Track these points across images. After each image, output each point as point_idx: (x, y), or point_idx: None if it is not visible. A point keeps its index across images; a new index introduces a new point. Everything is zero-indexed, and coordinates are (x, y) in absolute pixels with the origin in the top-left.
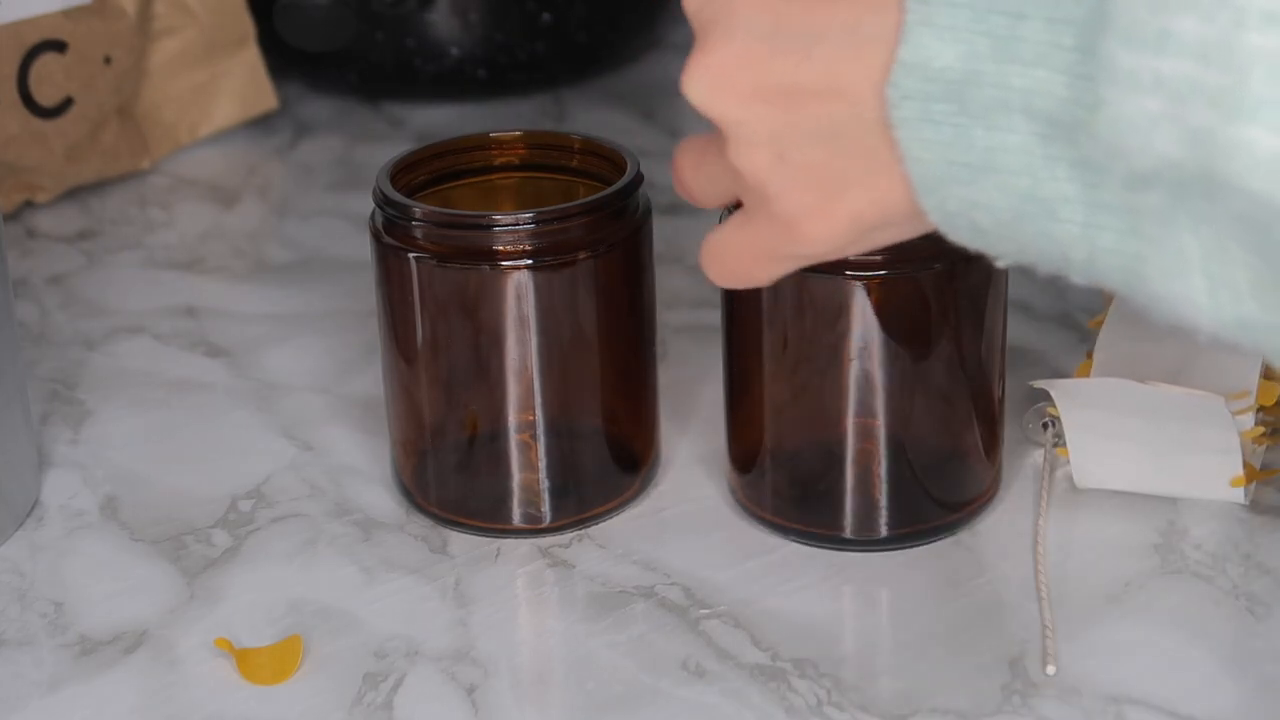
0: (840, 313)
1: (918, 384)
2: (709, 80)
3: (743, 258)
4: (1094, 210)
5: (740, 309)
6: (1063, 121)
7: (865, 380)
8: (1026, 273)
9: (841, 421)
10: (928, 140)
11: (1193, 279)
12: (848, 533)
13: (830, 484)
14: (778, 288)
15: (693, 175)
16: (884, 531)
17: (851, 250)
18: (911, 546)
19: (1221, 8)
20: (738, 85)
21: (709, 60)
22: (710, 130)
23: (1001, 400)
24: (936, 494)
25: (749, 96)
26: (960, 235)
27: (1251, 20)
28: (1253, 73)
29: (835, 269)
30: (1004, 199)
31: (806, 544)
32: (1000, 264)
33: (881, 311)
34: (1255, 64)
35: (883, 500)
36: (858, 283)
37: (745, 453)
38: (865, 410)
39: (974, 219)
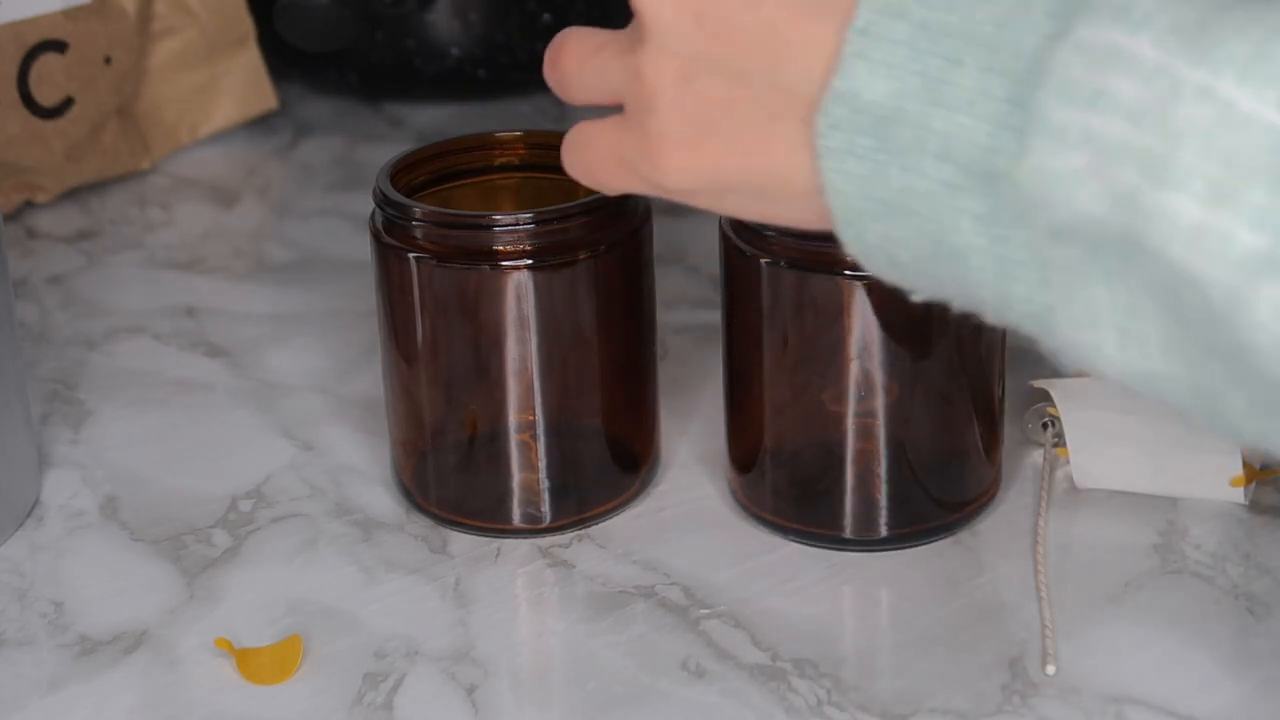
0: (840, 313)
1: (918, 384)
2: None
3: (605, 159)
4: (1002, 263)
5: (740, 309)
6: (978, 170)
7: (865, 380)
8: None
9: (841, 421)
10: (849, 173)
11: (1102, 331)
12: (848, 533)
13: (830, 484)
14: (777, 288)
15: (580, 65)
16: (884, 531)
17: (696, 201)
18: (911, 546)
19: (1159, 74)
20: None
21: None
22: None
23: (1001, 400)
24: (936, 494)
25: (688, 10)
26: (877, 268)
27: (1187, 91)
28: (1184, 142)
29: (835, 269)
30: (918, 239)
31: (806, 544)
32: (915, 298)
33: (881, 311)
34: (1187, 134)
35: (882, 500)
36: (858, 283)
37: (745, 453)
38: (865, 410)
39: (891, 254)
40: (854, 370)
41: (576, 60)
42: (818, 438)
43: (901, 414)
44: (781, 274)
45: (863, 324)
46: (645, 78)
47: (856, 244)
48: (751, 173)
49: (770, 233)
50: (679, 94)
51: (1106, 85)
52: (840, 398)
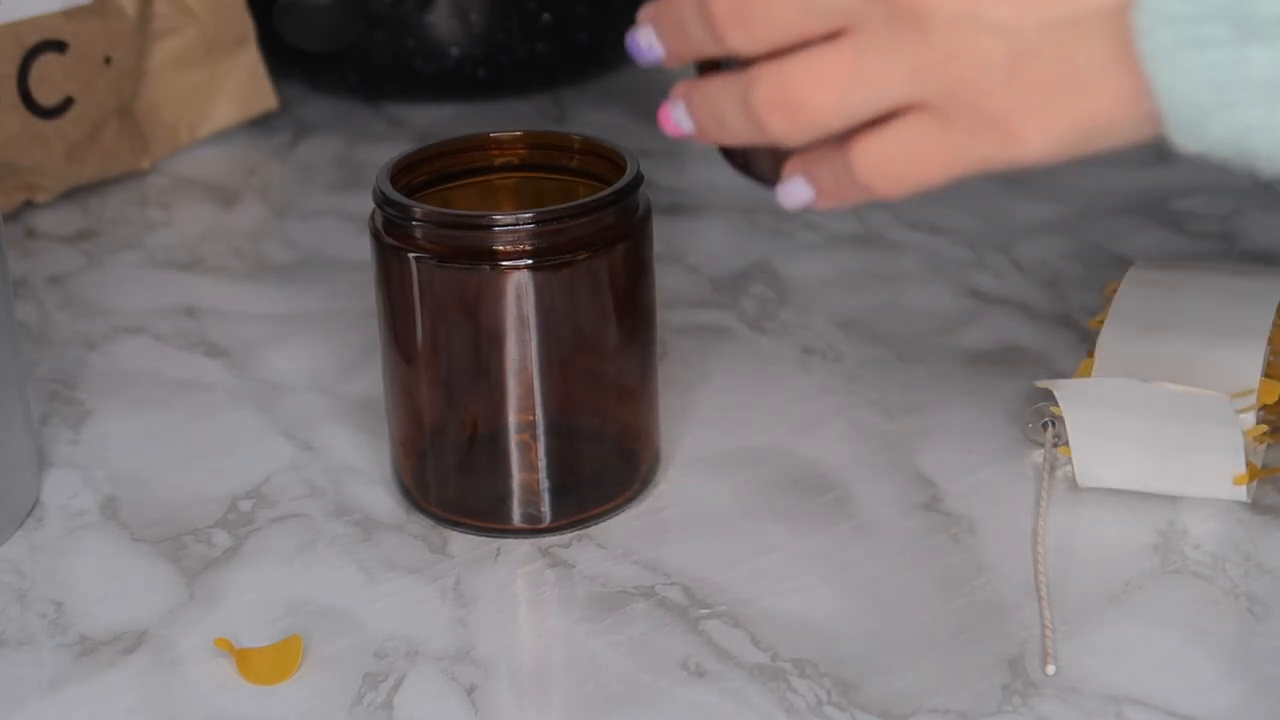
0: None
1: None
2: None
3: (927, 164)
4: None
5: None
6: None
7: None
8: (1026, 272)
9: None
10: (1190, 67)
11: None
12: None
13: None
14: None
15: (847, 84)
16: None
17: (1060, 158)
18: None
19: None
20: None
21: None
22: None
23: None
24: None
25: None
26: (1220, 155)
27: None
28: None
29: None
30: None
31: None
32: (1266, 174)
33: None
34: None
35: None
36: None
37: None
38: None
39: (1246, 143)
40: None
41: (837, 91)
42: None
43: None
44: None
45: None
46: (960, 65)
47: (1199, 141)
48: (1113, 114)
49: None
50: (1008, 68)
51: None
52: None
